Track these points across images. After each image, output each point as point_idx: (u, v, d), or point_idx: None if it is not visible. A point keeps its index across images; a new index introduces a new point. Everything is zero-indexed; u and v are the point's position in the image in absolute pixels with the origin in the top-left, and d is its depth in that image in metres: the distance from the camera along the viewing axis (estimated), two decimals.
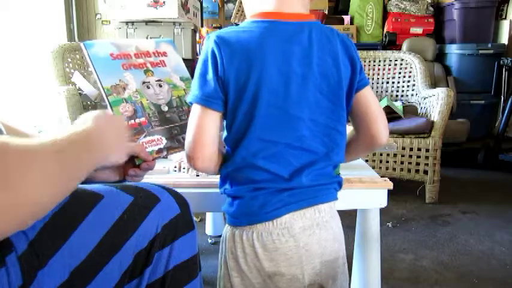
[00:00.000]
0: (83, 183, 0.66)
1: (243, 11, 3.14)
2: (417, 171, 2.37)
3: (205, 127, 0.71)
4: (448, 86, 3.10)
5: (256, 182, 0.72)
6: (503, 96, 3.18)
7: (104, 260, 0.59)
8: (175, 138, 0.83)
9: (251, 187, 0.72)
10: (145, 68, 0.85)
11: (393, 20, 3.37)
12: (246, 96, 0.70)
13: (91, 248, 0.58)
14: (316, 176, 0.74)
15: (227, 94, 0.71)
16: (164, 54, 0.89)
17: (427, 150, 2.33)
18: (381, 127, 0.80)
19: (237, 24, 3.57)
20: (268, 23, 0.73)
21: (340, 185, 0.80)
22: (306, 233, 0.73)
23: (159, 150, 0.80)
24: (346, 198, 0.90)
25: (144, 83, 0.83)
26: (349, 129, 0.83)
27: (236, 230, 0.74)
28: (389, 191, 0.95)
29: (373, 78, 2.79)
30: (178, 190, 0.72)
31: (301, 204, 0.73)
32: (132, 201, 0.62)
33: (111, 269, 0.60)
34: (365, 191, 0.93)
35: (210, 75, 0.71)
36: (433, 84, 2.99)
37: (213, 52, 0.71)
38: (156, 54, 0.88)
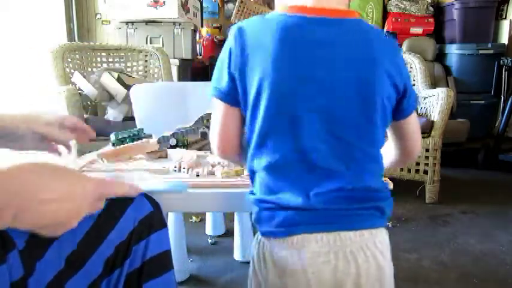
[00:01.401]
0: None
1: (243, 11, 3.16)
2: (417, 171, 2.37)
3: (223, 121, 0.71)
4: (448, 86, 3.10)
5: (265, 194, 0.68)
6: (503, 96, 3.18)
7: (90, 251, 0.64)
8: None
9: (263, 199, 0.68)
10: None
11: (393, 20, 3.37)
12: (252, 94, 0.66)
13: (79, 238, 0.63)
14: (335, 198, 0.65)
15: (238, 88, 0.68)
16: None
17: (427, 150, 2.34)
18: (416, 148, 0.77)
19: None
20: (294, 18, 0.66)
21: (381, 211, 0.69)
22: (319, 259, 0.65)
23: None
24: None
25: None
26: None
27: (257, 235, 0.71)
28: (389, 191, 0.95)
29: None
30: None
31: (318, 227, 0.65)
32: (111, 200, 0.65)
33: (96, 259, 0.64)
34: None
35: (225, 67, 0.68)
36: (433, 84, 2.99)
37: (230, 44, 0.68)
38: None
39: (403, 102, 0.70)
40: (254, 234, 1.88)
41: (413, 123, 0.75)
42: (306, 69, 0.65)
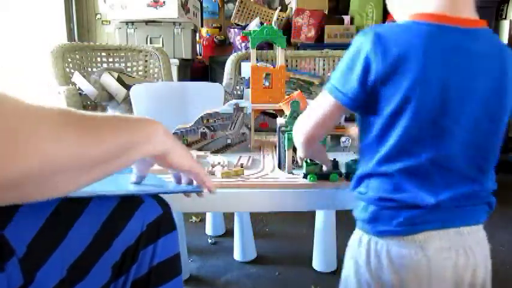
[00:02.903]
0: None
1: (243, 11, 3.16)
2: None
3: (329, 121, 0.74)
4: None
5: (391, 193, 0.69)
6: None
7: (96, 257, 0.62)
8: None
9: (386, 197, 0.69)
10: None
11: (393, 20, 3.37)
12: (394, 102, 0.66)
13: (84, 246, 0.61)
14: (461, 198, 0.69)
15: (371, 96, 0.68)
16: None
17: None
18: None
19: (238, 25, 3.56)
20: (434, 27, 0.67)
21: (490, 206, 0.74)
22: (442, 255, 0.68)
23: None
24: (346, 198, 0.90)
25: None
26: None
27: (365, 236, 0.72)
28: None
29: None
30: None
31: (440, 224, 0.68)
32: (119, 202, 0.65)
33: (103, 266, 0.62)
34: None
35: (357, 73, 0.67)
36: None
37: (366, 49, 0.67)
38: None
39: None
40: (254, 234, 1.88)
41: None
42: (456, 79, 0.66)
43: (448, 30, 0.67)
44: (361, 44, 0.68)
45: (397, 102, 0.66)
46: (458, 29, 0.68)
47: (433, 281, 0.68)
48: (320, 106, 0.73)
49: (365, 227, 0.72)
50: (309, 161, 0.91)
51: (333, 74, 0.72)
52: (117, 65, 2.42)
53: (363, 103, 0.69)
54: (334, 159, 0.92)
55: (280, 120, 1.04)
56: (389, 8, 0.81)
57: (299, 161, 0.94)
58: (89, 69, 2.34)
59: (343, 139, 1.13)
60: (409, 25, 0.69)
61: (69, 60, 2.30)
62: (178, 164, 0.61)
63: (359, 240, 0.73)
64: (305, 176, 0.91)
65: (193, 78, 3.06)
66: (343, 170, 0.92)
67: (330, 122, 0.75)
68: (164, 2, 2.66)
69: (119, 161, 0.50)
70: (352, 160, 0.91)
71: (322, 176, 0.90)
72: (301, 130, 0.77)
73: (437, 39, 0.67)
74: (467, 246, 0.69)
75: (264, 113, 1.46)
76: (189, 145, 1.13)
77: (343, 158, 0.94)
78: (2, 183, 0.39)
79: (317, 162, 0.91)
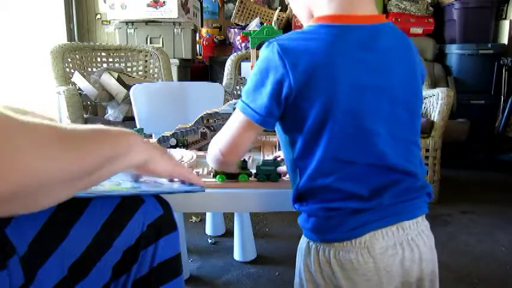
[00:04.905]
0: None
1: (243, 11, 3.17)
2: None
3: (245, 139, 0.71)
4: (448, 86, 3.10)
5: (331, 202, 0.68)
6: (503, 96, 3.18)
7: (97, 257, 0.62)
8: None
9: (325, 207, 0.68)
10: None
11: (393, 20, 3.37)
12: (313, 114, 0.64)
13: (85, 245, 0.62)
14: (400, 193, 0.69)
15: (288, 111, 0.66)
16: None
17: (427, 150, 2.34)
18: None
19: (238, 25, 3.55)
20: (338, 28, 0.65)
21: (430, 196, 0.74)
22: (388, 253, 0.68)
23: None
24: None
25: None
26: None
27: (312, 243, 0.72)
28: None
29: None
30: None
31: (383, 222, 0.68)
32: (119, 202, 0.65)
33: (103, 266, 0.63)
34: None
35: (267, 89, 0.65)
36: (433, 84, 2.99)
37: (275, 64, 0.64)
38: None
39: None
40: (254, 234, 1.87)
41: None
42: (369, 78, 0.66)
43: (351, 30, 0.66)
44: (268, 57, 0.65)
45: (316, 114, 0.64)
46: (361, 27, 0.66)
47: (383, 280, 0.68)
48: (236, 124, 0.70)
49: (311, 236, 0.71)
50: None
51: (243, 90, 0.69)
52: (117, 65, 2.42)
53: (278, 120, 0.68)
54: (244, 159, 0.88)
55: None
56: (295, 12, 0.77)
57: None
58: (89, 69, 2.34)
59: None
60: (312, 30, 0.67)
61: (69, 60, 2.30)
62: (158, 172, 0.63)
63: (307, 247, 0.73)
64: (214, 176, 0.87)
65: (193, 78, 3.07)
66: (253, 170, 0.87)
67: (250, 142, 0.72)
68: (164, 2, 2.66)
69: (101, 172, 0.51)
70: (264, 160, 0.88)
71: (232, 177, 0.86)
72: (220, 151, 0.73)
73: (343, 41, 0.64)
74: (410, 238, 0.69)
75: None
76: (189, 145, 1.13)
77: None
78: None
79: None
